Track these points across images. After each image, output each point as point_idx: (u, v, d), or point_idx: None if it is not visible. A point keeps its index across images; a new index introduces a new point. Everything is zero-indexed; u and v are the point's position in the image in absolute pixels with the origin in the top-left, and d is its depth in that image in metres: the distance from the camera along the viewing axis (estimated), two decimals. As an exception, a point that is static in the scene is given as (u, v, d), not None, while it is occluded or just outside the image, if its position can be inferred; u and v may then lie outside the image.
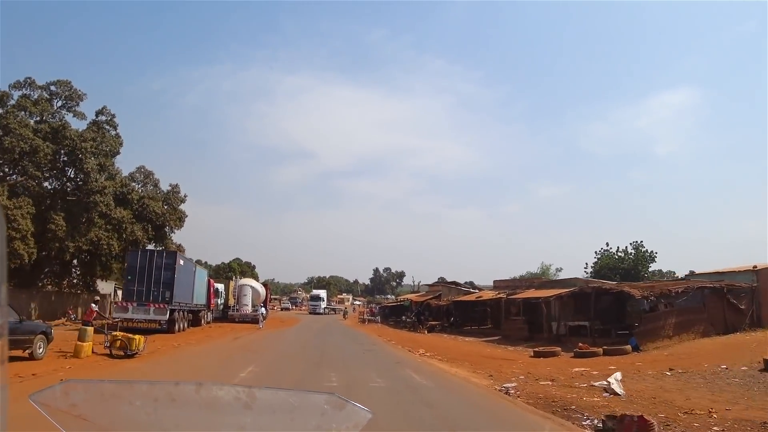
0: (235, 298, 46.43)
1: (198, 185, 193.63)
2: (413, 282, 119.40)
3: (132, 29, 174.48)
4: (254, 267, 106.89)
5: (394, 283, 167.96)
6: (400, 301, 70.61)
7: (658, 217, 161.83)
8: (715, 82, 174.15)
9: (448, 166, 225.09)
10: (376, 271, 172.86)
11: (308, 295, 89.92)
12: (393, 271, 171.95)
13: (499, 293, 38.66)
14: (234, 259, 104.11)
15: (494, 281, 50.33)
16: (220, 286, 46.16)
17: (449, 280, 74.84)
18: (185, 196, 39.84)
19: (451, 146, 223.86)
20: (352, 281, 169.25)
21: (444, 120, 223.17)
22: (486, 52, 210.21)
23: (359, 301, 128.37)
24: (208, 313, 38.03)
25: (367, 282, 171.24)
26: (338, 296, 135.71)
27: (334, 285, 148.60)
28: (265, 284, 58.43)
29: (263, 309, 44.08)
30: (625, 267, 46.40)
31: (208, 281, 38.02)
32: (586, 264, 51.67)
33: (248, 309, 44.54)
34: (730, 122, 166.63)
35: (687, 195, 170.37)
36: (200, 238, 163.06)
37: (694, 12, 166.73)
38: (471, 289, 54.83)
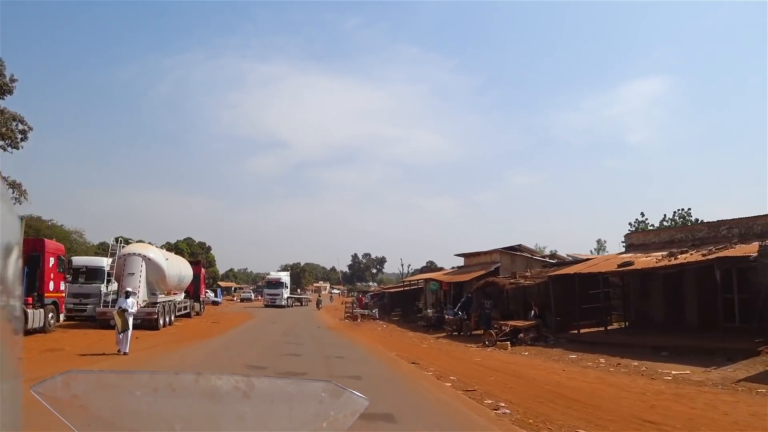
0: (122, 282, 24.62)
1: (171, 176, 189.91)
2: (401, 266, 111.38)
3: (99, 16, 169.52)
4: (210, 248, 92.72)
5: (375, 270, 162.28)
6: (407, 284, 50.75)
7: (631, 204, 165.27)
8: (685, 72, 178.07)
9: (424, 154, 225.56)
10: (355, 257, 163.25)
11: (268, 279, 62.70)
12: (373, 256, 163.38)
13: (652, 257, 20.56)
14: (185, 239, 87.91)
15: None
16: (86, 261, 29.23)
17: (437, 263, 74.10)
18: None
19: (427, 135, 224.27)
20: (329, 268, 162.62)
21: (419, 108, 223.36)
22: (461, 40, 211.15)
23: (337, 289, 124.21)
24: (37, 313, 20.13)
25: (345, 270, 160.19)
26: (314, 284, 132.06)
27: (309, 272, 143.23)
28: (195, 261, 39.42)
29: (135, 299, 19.35)
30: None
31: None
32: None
33: (131, 302, 21.40)
34: (701, 111, 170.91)
35: (659, 183, 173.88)
36: (175, 230, 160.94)
37: (664, 2, 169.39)
38: (551, 260, 30.99)
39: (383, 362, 17.21)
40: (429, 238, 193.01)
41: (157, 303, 25.53)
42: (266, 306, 56.12)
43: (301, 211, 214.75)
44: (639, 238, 26.90)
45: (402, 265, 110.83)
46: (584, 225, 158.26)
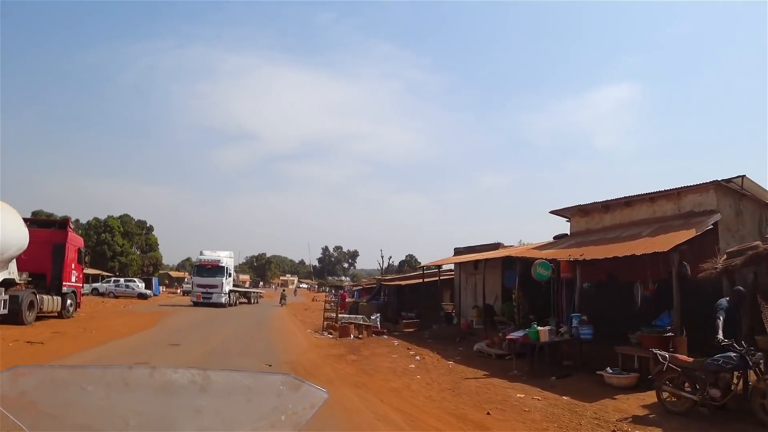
0: None
1: (135, 165, 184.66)
2: (381, 258, 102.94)
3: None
4: (151, 228, 77.91)
5: (347, 264, 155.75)
6: (423, 272, 26.99)
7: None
8: (655, 80, 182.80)
9: (394, 151, 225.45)
10: (326, 250, 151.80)
11: (199, 261, 37.53)
12: (345, 250, 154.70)
13: None
14: (120, 216, 72.06)
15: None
16: None
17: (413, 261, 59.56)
18: None
19: (398, 132, 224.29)
20: (297, 261, 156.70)
21: (391, 105, 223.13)
22: (434, 38, 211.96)
23: (305, 283, 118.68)
24: None
25: (315, 263, 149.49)
26: (281, 277, 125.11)
27: (276, 265, 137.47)
28: (48, 221, 27.00)
29: None
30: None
31: None
32: None
33: None
34: (669, 118, 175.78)
35: (625, 188, 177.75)
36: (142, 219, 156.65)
37: (633, 11, 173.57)
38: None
39: None
40: (400, 234, 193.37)
41: None
42: (195, 303, 34.70)
43: (270, 204, 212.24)
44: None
45: (382, 257, 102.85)
46: (552, 227, 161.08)
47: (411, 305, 26.95)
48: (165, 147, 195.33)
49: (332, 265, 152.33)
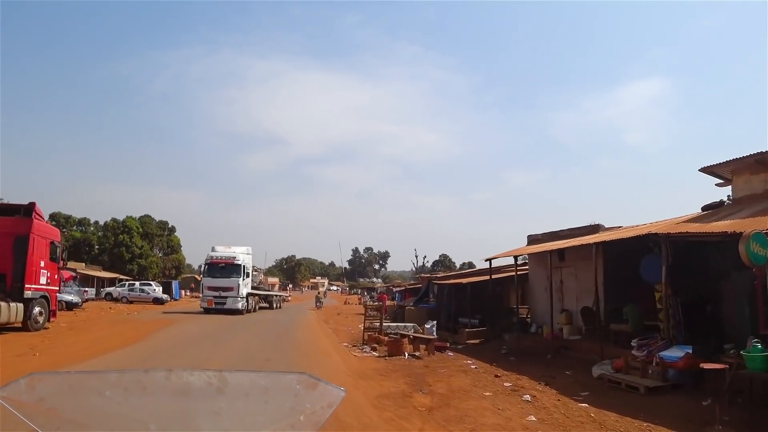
0: None
1: (166, 172, 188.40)
2: (415, 259, 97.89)
3: (99, 11, 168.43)
4: (173, 229, 72.29)
5: (377, 266, 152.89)
6: (486, 266, 20.70)
7: (627, 206, 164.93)
8: (685, 73, 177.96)
9: (422, 152, 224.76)
10: (356, 251, 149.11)
11: (210, 259, 30.97)
12: (375, 251, 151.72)
13: None
14: (142, 216, 67.49)
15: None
16: None
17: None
18: None
19: (425, 133, 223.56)
20: (327, 264, 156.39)
21: (418, 106, 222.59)
22: (459, 38, 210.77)
23: (336, 285, 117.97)
24: None
25: (345, 265, 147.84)
26: (311, 279, 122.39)
27: (305, 267, 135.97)
28: (25, 206, 17.14)
29: None
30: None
31: None
32: None
33: None
34: (700, 113, 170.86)
35: (655, 184, 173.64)
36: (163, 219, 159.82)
37: (664, 3, 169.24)
38: None
39: None
40: (430, 235, 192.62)
41: None
42: (206, 310, 29.78)
43: (298, 207, 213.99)
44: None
45: (416, 257, 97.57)
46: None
47: (469, 309, 21.39)
48: (193, 153, 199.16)
49: (363, 266, 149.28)
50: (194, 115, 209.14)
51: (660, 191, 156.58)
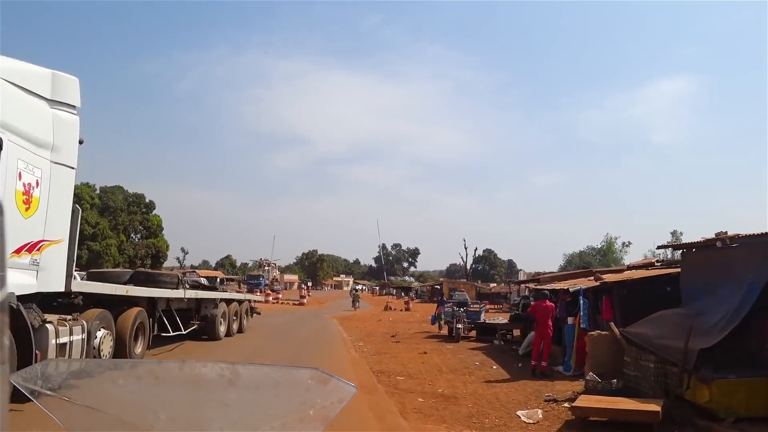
0: None
1: (191, 171, 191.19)
2: (465, 251, 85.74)
3: (126, 12, 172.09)
4: (151, 205, 56.94)
5: (407, 263, 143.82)
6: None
7: (654, 205, 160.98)
8: (712, 71, 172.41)
9: (445, 152, 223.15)
10: (383, 248, 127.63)
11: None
12: (404, 248, 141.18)
13: None
14: (112, 186, 55.58)
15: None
16: None
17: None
18: None
19: (448, 132, 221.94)
20: (352, 261, 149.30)
21: (440, 106, 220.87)
22: (483, 37, 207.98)
23: (362, 284, 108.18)
24: None
25: (371, 263, 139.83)
26: (334, 278, 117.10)
27: (328, 264, 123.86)
28: None
29: None
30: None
31: None
32: None
33: None
34: (727, 111, 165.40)
35: (683, 184, 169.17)
36: (193, 224, 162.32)
37: (690, 0, 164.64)
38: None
39: None
40: (457, 234, 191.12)
41: None
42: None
43: (321, 206, 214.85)
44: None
45: (466, 249, 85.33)
46: (609, 227, 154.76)
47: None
48: (218, 152, 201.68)
49: (391, 264, 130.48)
50: (219, 114, 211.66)
51: (688, 191, 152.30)
